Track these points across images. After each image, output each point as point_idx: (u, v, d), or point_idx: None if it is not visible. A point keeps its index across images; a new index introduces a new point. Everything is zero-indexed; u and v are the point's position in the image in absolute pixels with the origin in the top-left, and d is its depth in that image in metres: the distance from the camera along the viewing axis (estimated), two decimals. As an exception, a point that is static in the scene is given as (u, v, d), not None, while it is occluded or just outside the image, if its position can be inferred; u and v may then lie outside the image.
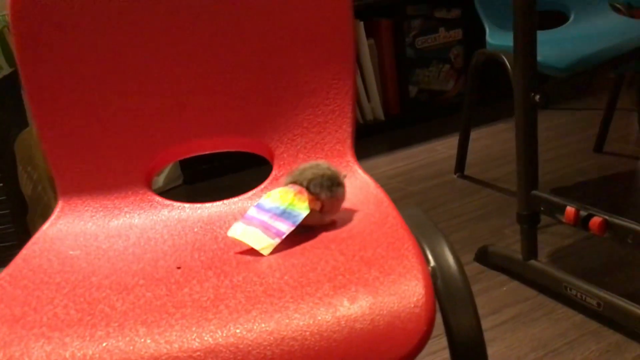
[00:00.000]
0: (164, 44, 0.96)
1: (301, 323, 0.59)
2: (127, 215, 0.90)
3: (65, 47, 0.93)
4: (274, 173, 0.94)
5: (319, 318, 0.59)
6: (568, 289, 1.38)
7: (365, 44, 2.58)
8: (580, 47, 1.72)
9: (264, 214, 0.79)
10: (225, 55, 0.96)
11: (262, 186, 0.93)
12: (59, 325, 0.63)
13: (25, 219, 1.80)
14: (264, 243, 0.75)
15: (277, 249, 0.75)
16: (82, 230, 0.87)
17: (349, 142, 0.94)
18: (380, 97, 2.67)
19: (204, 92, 0.96)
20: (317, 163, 0.81)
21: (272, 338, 0.58)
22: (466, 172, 2.20)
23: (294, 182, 0.79)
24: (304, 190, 0.78)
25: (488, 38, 1.92)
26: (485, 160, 2.30)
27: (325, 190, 0.78)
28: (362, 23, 2.55)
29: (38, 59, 0.92)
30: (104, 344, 0.59)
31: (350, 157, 0.93)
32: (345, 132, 0.94)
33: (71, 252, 0.81)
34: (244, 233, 0.78)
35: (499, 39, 1.90)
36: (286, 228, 0.76)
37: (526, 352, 1.26)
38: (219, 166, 2.43)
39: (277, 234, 0.76)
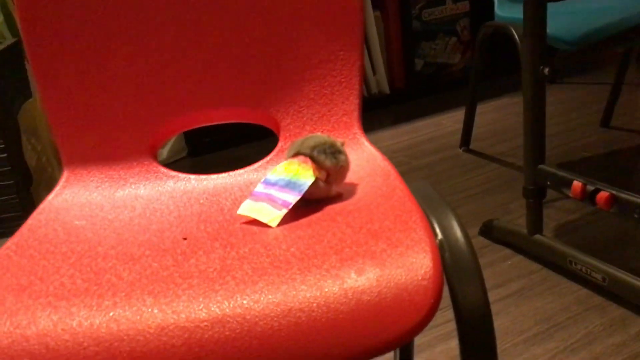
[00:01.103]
0: (169, 15, 0.94)
1: (308, 295, 0.58)
2: (133, 186, 0.90)
3: (71, 17, 0.92)
4: (280, 145, 0.94)
5: (326, 290, 0.59)
6: (573, 263, 1.38)
7: (371, 16, 2.55)
8: (590, 20, 1.70)
9: (270, 188, 0.79)
10: (230, 26, 0.95)
11: (268, 158, 0.93)
12: (65, 295, 0.62)
13: (29, 190, 1.80)
14: (271, 215, 0.75)
15: (283, 221, 0.74)
16: (87, 201, 0.87)
17: (355, 114, 0.93)
18: (386, 70, 2.65)
19: (210, 63, 0.95)
20: (314, 135, 0.81)
21: (278, 309, 0.58)
22: (472, 146, 2.19)
23: (297, 154, 0.79)
24: (308, 159, 0.78)
25: (497, 10, 1.89)
26: (491, 134, 2.29)
27: (330, 157, 0.78)
28: (368, -6, 2.53)
29: (42, 29, 0.91)
30: (111, 314, 0.59)
31: (357, 129, 0.92)
32: (352, 104, 0.93)
33: (77, 222, 0.81)
34: (251, 209, 0.78)
35: (508, 11, 1.87)
36: (292, 198, 0.76)
37: (530, 326, 1.26)
38: (223, 138, 2.43)
39: (284, 204, 0.76)
